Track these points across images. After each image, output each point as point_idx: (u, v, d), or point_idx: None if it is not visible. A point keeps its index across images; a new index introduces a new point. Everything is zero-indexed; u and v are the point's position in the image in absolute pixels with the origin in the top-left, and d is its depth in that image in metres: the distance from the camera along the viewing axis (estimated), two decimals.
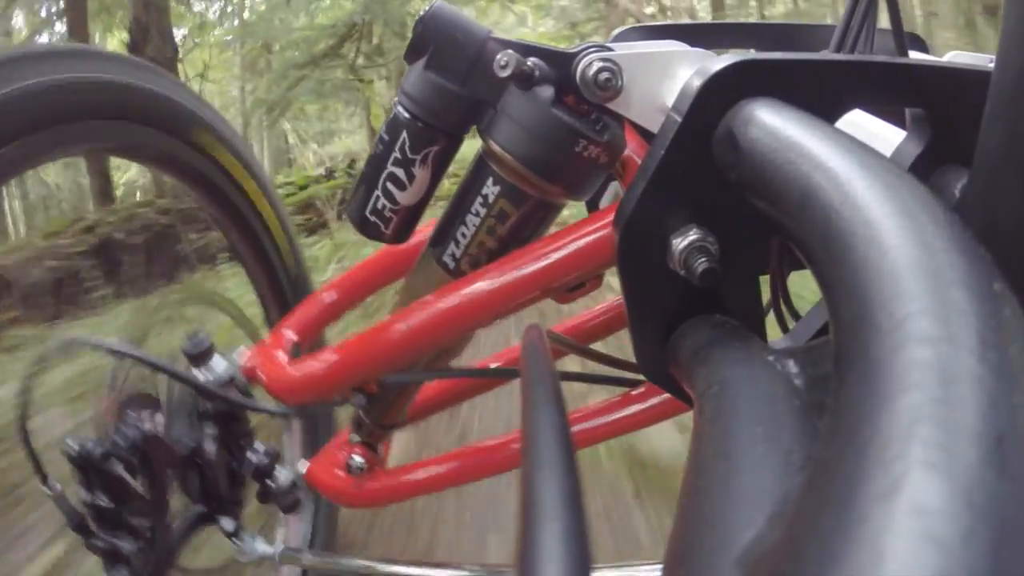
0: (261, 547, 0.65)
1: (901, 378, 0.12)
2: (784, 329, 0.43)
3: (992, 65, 0.24)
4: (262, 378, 0.55)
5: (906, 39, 0.42)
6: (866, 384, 0.13)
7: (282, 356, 0.57)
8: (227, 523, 0.61)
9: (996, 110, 0.24)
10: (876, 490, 0.11)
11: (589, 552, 0.18)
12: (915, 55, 0.48)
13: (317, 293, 0.65)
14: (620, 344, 0.66)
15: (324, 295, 0.64)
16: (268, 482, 0.64)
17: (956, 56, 0.45)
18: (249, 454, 0.63)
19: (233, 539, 0.63)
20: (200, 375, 0.58)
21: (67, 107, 0.58)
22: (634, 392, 0.59)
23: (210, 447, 0.59)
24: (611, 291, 0.63)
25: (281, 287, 0.90)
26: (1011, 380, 0.12)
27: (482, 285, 0.44)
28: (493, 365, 0.69)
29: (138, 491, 0.55)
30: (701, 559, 0.16)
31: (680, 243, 0.29)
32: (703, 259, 0.28)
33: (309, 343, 0.62)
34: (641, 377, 0.55)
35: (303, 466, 0.67)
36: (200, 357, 0.58)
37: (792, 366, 0.24)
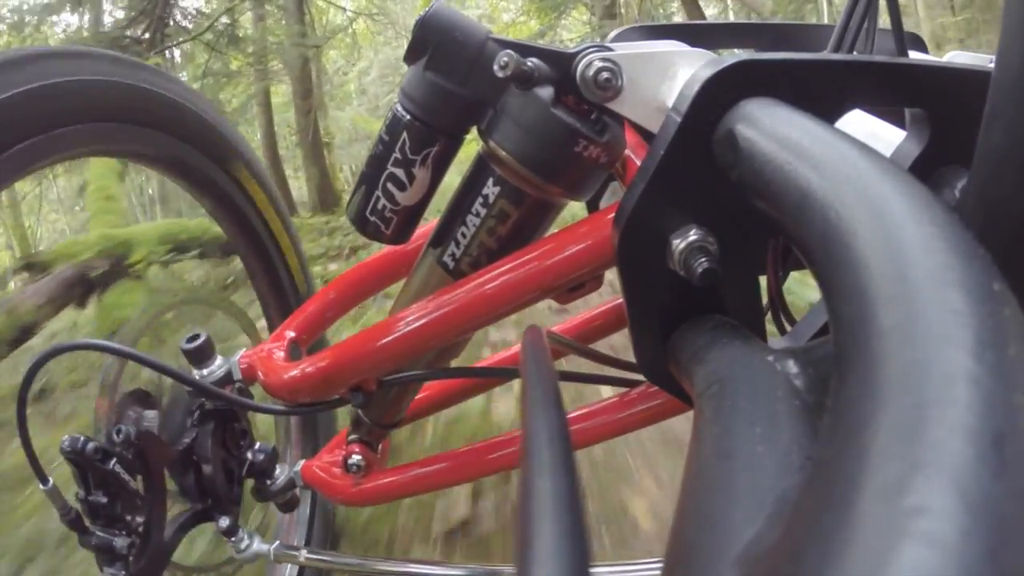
0: (257, 545, 0.64)
1: (901, 379, 0.12)
2: (781, 330, 0.43)
3: (992, 65, 0.24)
4: (260, 377, 0.55)
5: (905, 39, 0.42)
6: (866, 384, 0.13)
7: (280, 356, 0.57)
8: (223, 521, 0.61)
9: (996, 110, 0.24)
10: (875, 490, 0.11)
11: (588, 551, 0.18)
12: (914, 55, 0.48)
13: (317, 294, 0.65)
14: (623, 343, 0.66)
15: (323, 296, 0.65)
16: (265, 480, 0.64)
17: (956, 56, 0.45)
18: (247, 453, 0.63)
19: (229, 537, 0.63)
20: (198, 374, 0.58)
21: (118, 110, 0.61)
22: (633, 392, 0.59)
23: (207, 445, 0.59)
24: (611, 290, 0.63)
25: (284, 290, 0.92)
26: (1010, 380, 0.12)
27: (481, 286, 0.43)
28: (492, 365, 0.69)
29: (133, 488, 0.55)
30: (700, 558, 0.16)
31: (680, 243, 0.29)
32: (703, 259, 0.28)
33: (308, 343, 0.62)
34: (640, 377, 0.55)
35: (300, 465, 0.67)
36: (199, 356, 0.58)
37: (792, 366, 0.25)
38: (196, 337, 0.58)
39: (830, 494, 0.12)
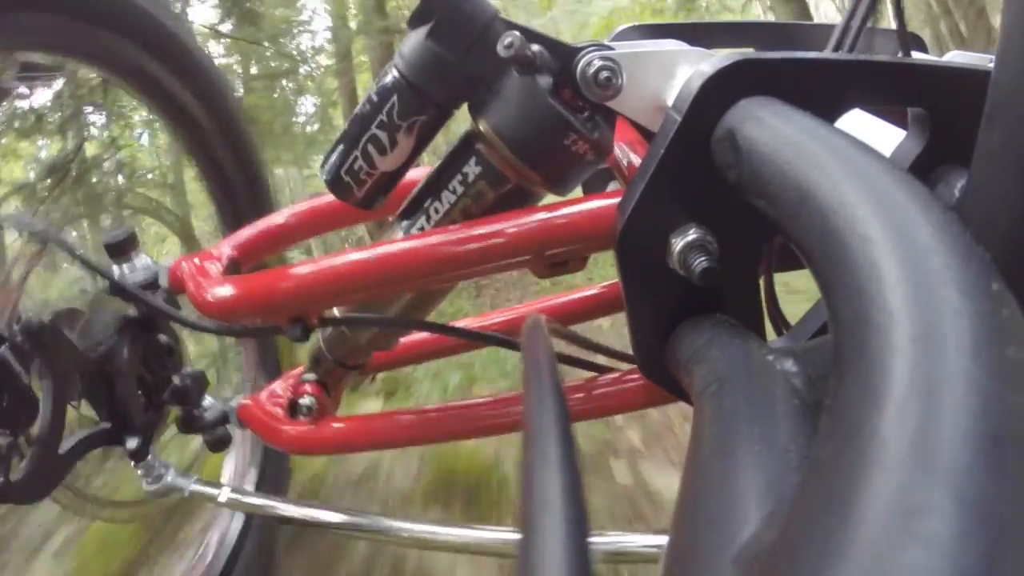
0: (172, 477, 0.57)
1: (899, 379, 0.12)
2: (777, 330, 0.43)
3: (992, 65, 0.24)
4: (189, 288, 0.50)
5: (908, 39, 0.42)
6: (864, 384, 0.13)
7: (215, 269, 0.52)
8: (131, 443, 0.54)
9: (996, 110, 0.24)
10: (874, 490, 0.11)
11: (587, 520, 0.18)
12: (914, 55, 0.48)
13: (269, 216, 0.60)
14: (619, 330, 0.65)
15: (276, 218, 0.59)
16: (191, 410, 0.58)
17: (956, 56, 0.45)
18: (172, 376, 0.57)
19: (137, 463, 0.56)
20: (121, 272, 0.54)
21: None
22: (628, 375, 0.57)
23: (122, 356, 0.53)
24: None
25: (242, 213, 0.84)
26: (1008, 381, 0.12)
27: (449, 237, 0.42)
28: (462, 327, 0.64)
29: (22, 381, 0.49)
30: (699, 556, 0.16)
31: (679, 242, 0.29)
32: (702, 258, 0.29)
33: (250, 263, 0.57)
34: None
35: (238, 399, 0.60)
36: (120, 249, 0.53)
37: (791, 365, 0.25)
38: (120, 228, 0.54)
39: (829, 494, 0.12)
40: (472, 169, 0.44)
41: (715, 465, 0.19)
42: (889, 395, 0.12)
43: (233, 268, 0.53)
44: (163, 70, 0.72)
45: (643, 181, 0.29)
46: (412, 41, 0.42)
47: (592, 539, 0.17)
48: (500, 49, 0.38)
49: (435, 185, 0.45)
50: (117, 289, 0.51)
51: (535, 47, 0.38)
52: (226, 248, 0.55)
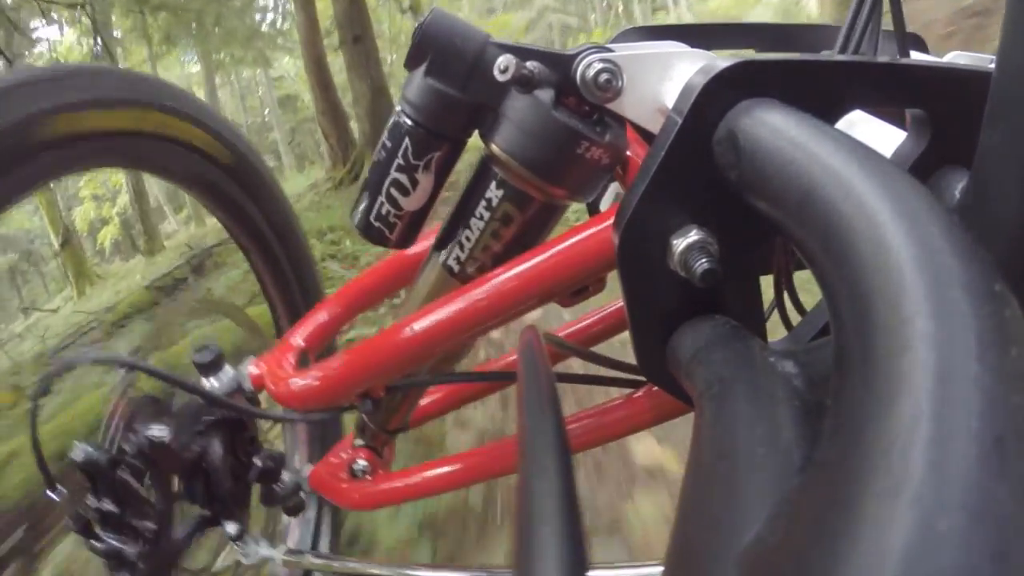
0: (264, 550, 0.65)
1: (902, 380, 0.12)
2: (789, 329, 0.43)
3: (992, 65, 0.24)
4: (269, 387, 0.56)
5: (907, 40, 0.42)
6: (867, 385, 0.13)
7: (289, 364, 0.58)
8: (231, 527, 0.62)
9: (996, 110, 0.24)
10: (878, 491, 0.11)
11: (585, 553, 0.18)
12: (914, 55, 0.48)
13: (324, 301, 0.66)
14: (623, 347, 0.66)
15: (331, 303, 0.65)
16: (272, 486, 0.65)
17: (956, 56, 0.45)
18: (255, 459, 0.64)
19: (236, 543, 0.63)
20: (208, 384, 0.59)
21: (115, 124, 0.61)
22: (634, 395, 0.58)
23: (216, 453, 0.60)
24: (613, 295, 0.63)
25: (294, 298, 0.93)
26: (1011, 381, 0.12)
27: (486, 290, 0.44)
28: (497, 369, 0.70)
29: (143, 496, 0.56)
30: (702, 559, 0.16)
31: (680, 244, 0.29)
32: (703, 260, 0.28)
33: (317, 350, 0.63)
34: (640, 379, 0.55)
35: (307, 470, 0.68)
36: (209, 367, 0.59)
37: (792, 367, 0.25)
38: (206, 349, 0.59)
39: (831, 495, 0.12)
40: (494, 193, 0.44)
41: (717, 467, 0.19)
42: (892, 397, 0.12)
43: (303, 359, 0.59)
44: (234, 187, 0.80)
45: (644, 182, 0.29)
46: (412, 82, 0.43)
47: (592, 573, 0.17)
48: (496, 74, 0.38)
49: (462, 213, 0.46)
50: (212, 402, 0.58)
51: (531, 64, 0.39)
52: (294, 340, 0.61)
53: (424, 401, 0.69)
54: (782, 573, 0.12)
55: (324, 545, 0.94)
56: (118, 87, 0.62)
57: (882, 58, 0.35)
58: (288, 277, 0.91)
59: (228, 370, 0.60)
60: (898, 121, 0.36)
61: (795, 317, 0.42)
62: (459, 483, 0.65)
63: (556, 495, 0.20)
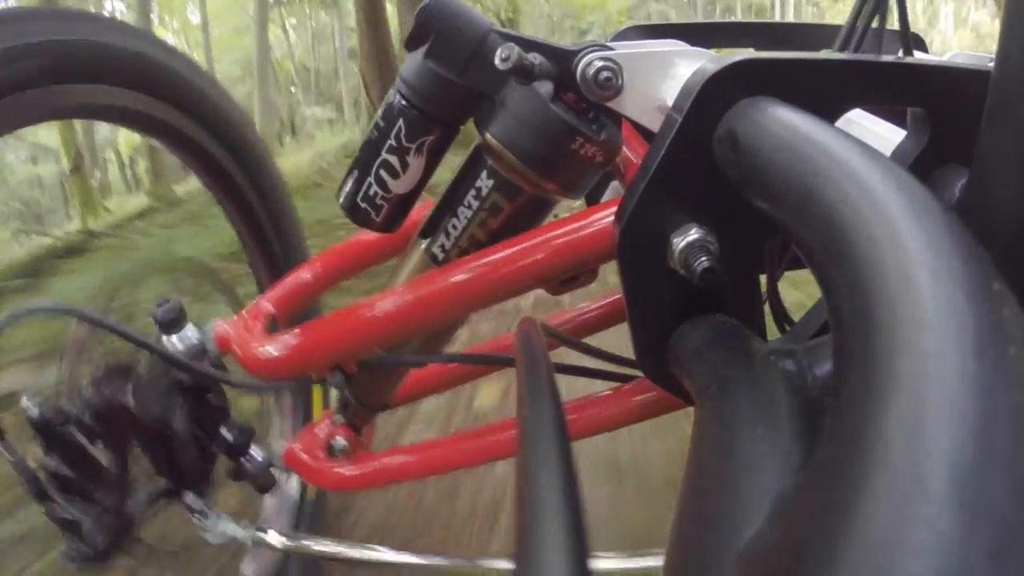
0: (230, 528, 0.61)
1: (901, 378, 0.12)
2: (781, 328, 0.43)
3: (992, 65, 0.24)
4: (235, 351, 0.53)
5: (911, 39, 0.42)
6: (867, 384, 0.13)
7: (258, 329, 0.55)
8: (192, 499, 0.58)
9: (996, 110, 0.24)
10: (877, 490, 0.11)
11: (588, 542, 0.18)
12: (915, 55, 0.48)
13: (300, 267, 0.63)
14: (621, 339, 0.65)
15: (307, 270, 0.62)
16: (242, 460, 0.61)
17: (956, 56, 0.45)
18: (222, 430, 0.60)
19: (197, 516, 0.60)
20: (170, 344, 0.56)
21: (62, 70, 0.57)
22: (630, 385, 0.58)
23: (180, 419, 0.56)
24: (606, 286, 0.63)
25: (276, 260, 0.87)
26: (1010, 380, 0.12)
27: (471, 271, 0.43)
28: (484, 352, 0.68)
29: (98, 460, 0.53)
30: (701, 557, 0.16)
31: (680, 242, 0.29)
32: (703, 258, 0.29)
33: (290, 316, 0.60)
34: (636, 372, 0.55)
35: (281, 446, 0.64)
36: (170, 324, 0.56)
37: (792, 365, 0.25)
38: (166, 303, 0.56)
39: (831, 493, 0.12)
40: (485, 183, 0.44)
41: (717, 465, 0.19)
42: (891, 395, 0.12)
43: (273, 325, 0.57)
44: (201, 132, 0.76)
45: (644, 181, 0.29)
46: (411, 63, 0.43)
47: (594, 562, 0.17)
48: (497, 62, 0.38)
49: (450, 202, 0.46)
50: (170, 362, 0.55)
51: (532, 56, 0.38)
52: (264, 306, 0.58)
53: (411, 379, 0.67)
54: (781, 572, 0.12)
55: (308, 528, 0.89)
56: (55, 29, 0.57)
57: (881, 57, 0.35)
58: (269, 237, 0.86)
59: (191, 329, 0.56)
60: (898, 120, 0.36)
61: (788, 317, 0.42)
62: (445, 467, 0.62)
63: (558, 484, 0.20)
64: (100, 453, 0.54)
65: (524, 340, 0.32)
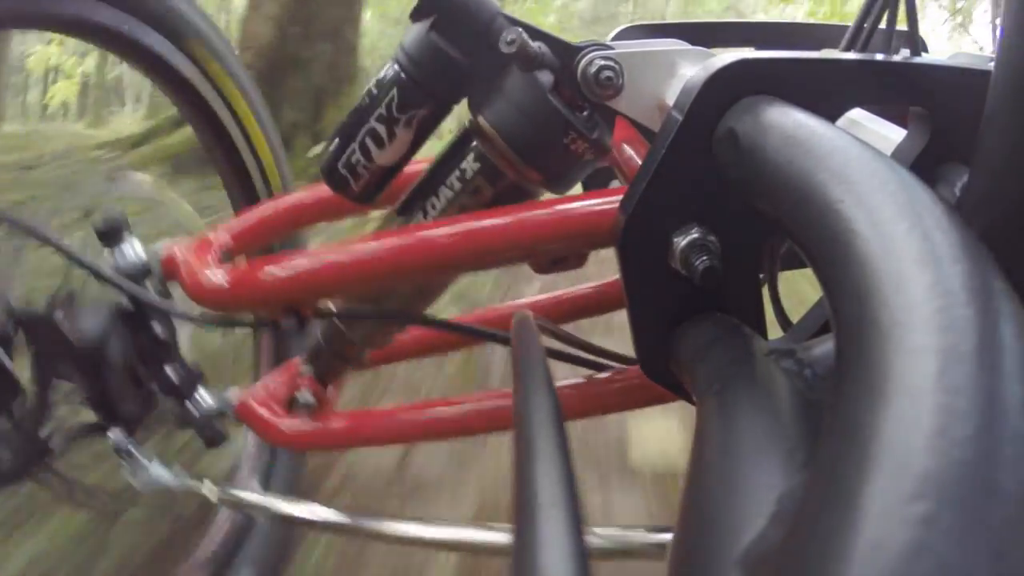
0: (157, 470, 0.55)
1: (902, 377, 0.13)
2: (782, 328, 0.43)
3: (992, 65, 0.24)
4: (181, 276, 0.48)
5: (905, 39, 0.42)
6: (867, 383, 0.13)
7: (210, 257, 0.50)
8: (117, 436, 0.53)
9: (996, 109, 0.24)
10: (879, 490, 0.11)
11: (582, 511, 0.18)
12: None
13: (267, 203, 0.59)
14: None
15: (273, 205, 0.58)
16: (186, 404, 0.56)
17: (956, 55, 0.45)
18: (166, 367, 0.55)
19: (122, 456, 0.54)
20: (111, 260, 0.52)
21: None
22: (626, 372, 0.57)
23: (111, 346, 0.51)
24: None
25: (248, 178, 0.82)
26: (1010, 380, 0.12)
27: (452, 230, 0.42)
28: (466, 322, 0.64)
29: (14, 375, 0.49)
30: (704, 557, 0.16)
31: (681, 242, 0.29)
32: (704, 258, 0.29)
33: (248, 250, 0.55)
34: (628, 360, 0.54)
35: (236, 393, 0.58)
36: (110, 235, 0.51)
37: (792, 365, 0.25)
38: (109, 213, 0.52)
39: (834, 493, 0.12)
40: (470, 165, 0.44)
41: (719, 465, 0.19)
42: (892, 394, 0.12)
43: (228, 257, 0.52)
44: (171, 48, 0.70)
45: (644, 180, 0.29)
46: (414, 34, 0.42)
47: (590, 536, 0.18)
48: (503, 45, 0.38)
49: (433, 181, 0.45)
50: (103, 280, 0.50)
51: (537, 44, 0.38)
52: (221, 235, 0.53)
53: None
54: (783, 572, 0.12)
55: (280, 487, 0.81)
56: None
57: (882, 56, 0.35)
58: (248, 170, 0.81)
59: (134, 245, 0.52)
60: (898, 119, 0.37)
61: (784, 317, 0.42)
62: (415, 436, 0.58)
63: (553, 459, 0.20)
64: (20, 369, 0.49)
65: (520, 327, 0.33)
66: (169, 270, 0.50)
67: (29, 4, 0.54)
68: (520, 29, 0.38)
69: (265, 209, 0.57)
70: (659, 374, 0.33)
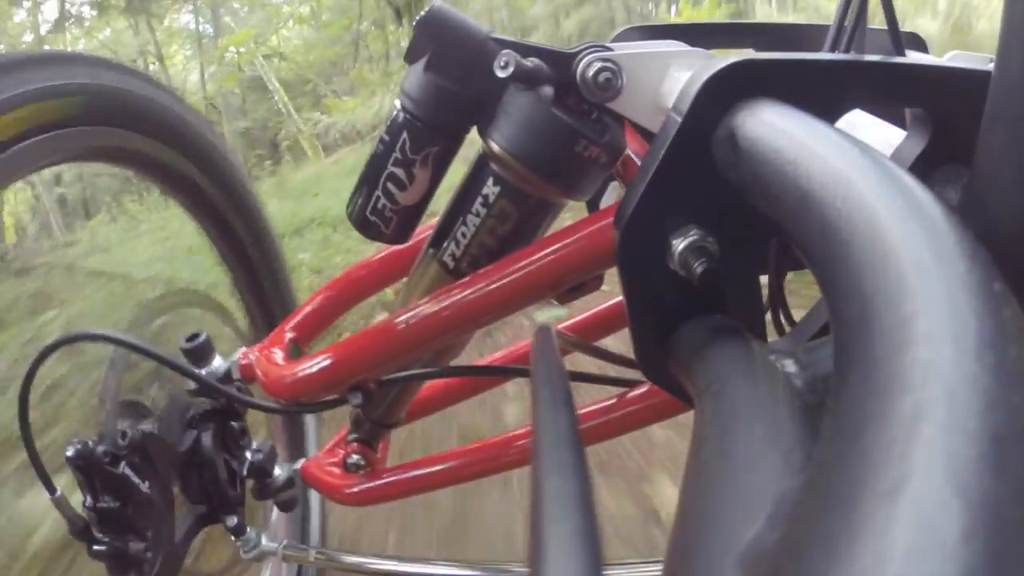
0: (264, 544, 0.65)
1: (902, 379, 0.12)
2: (780, 331, 0.43)
3: (992, 65, 0.24)
4: (260, 376, 0.56)
5: (903, 38, 0.42)
6: (867, 384, 0.13)
7: (280, 355, 0.57)
8: (231, 521, 0.62)
9: (996, 110, 0.24)
10: (878, 491, 0.11)
11: (600, 552, 0.18)
12: (914, 55, 0.48)
13: (317, 292, 0.65)
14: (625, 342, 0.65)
15: (324, 295, 0.65)
16: (265, 479, 0.65)
17: (955, 56, 0.45)
18: (247, 453, 0.63)
19: (237, 537, 0.63)
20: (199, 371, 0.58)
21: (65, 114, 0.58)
22: (637, 391, 0.59)
23: (209, 445, 0.59)
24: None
25: (265, 294, 0.93)
26: (1010, 380, 0.12)
27: (482, 286, 0.44)
28: (495, 363, 0.69)
29: (142, 490, 0.55)
30: (701, 559, 0.16)
31: (680, 243, 0.29)
32: (702, 259, 0.28)
33: (309, 342, 0.63)
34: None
35: (300, 464, 0.68)
36: (199, 355, 0.58)
37: (792, 366, 0.25)
38: (196, 336, 0.58)
39: (832, 494, 0.12)
40: (491, 190, 0.44)
41: (717, 466, 0.19)
42: (892, 396, 0.12)
43: (294, 350, 0.59)
44: (201, 175, 0.79)
45: (643, 182, 0.29)
46: (411, 76, 0.43)
47: (606, 571, 0.17)
48: (497, 70, 0.38)
49: (458, 209, 0.46)
50: (207, 388, 0.57)
51: (531, 60, 0.39)
52: (286, 332, 0.61)
53: (420, 395, 0.69)
54: (782, 573, 0.12)
55: (313, 540, 0.94)
56: (49, 75, 0.57)
57: (882, 57, 0.35)
58: (262, 281, 0.91)
59: (218, 359, 0.59)
60: (898, 120, 0.36)
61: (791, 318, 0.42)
62: (458, 478, 0.65)
63: (572, 494, 0.20)
64: (143, 484, 0.56)
65: (540, 349, 0.32)
66: (247, 374, 0.58)
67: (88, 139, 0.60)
68: (510, 51, 0.38)
69: (318, 302, 0.64)
70: (658, 375, 0.33)
